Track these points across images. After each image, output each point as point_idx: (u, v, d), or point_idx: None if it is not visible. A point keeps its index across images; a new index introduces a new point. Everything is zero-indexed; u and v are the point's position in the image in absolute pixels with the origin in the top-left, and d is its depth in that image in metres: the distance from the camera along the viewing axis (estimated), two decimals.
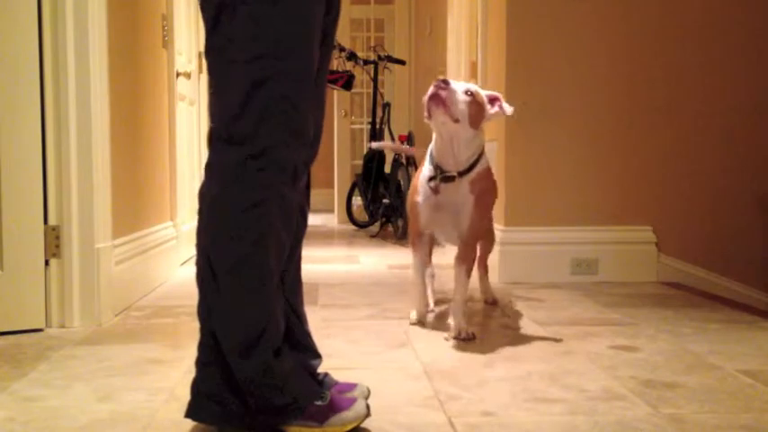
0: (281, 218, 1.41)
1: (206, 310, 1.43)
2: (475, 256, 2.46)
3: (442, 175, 2.26)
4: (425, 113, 2.24)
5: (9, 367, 1.96)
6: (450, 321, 2.32)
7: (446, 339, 2.27)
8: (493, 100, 2.32)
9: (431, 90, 2.20)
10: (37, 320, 2.38)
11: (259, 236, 1.38)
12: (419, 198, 2.33)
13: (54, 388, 1.78)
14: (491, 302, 2.82)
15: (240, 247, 1.38)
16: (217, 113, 1.41)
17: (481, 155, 2.33)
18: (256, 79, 1.35)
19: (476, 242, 2.40)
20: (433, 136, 2.33)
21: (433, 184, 2.27)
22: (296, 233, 1.52)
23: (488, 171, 2.37)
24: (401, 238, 4.97)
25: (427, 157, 2.35)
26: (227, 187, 1.39)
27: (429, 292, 2.65)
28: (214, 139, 1.41)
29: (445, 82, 2.18)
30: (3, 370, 1.93)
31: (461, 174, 2.27)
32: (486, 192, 2.34)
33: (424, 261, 2.50)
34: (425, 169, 2.34)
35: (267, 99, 1.36)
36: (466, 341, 2.24)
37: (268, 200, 1.39)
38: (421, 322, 2.48)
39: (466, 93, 2.22)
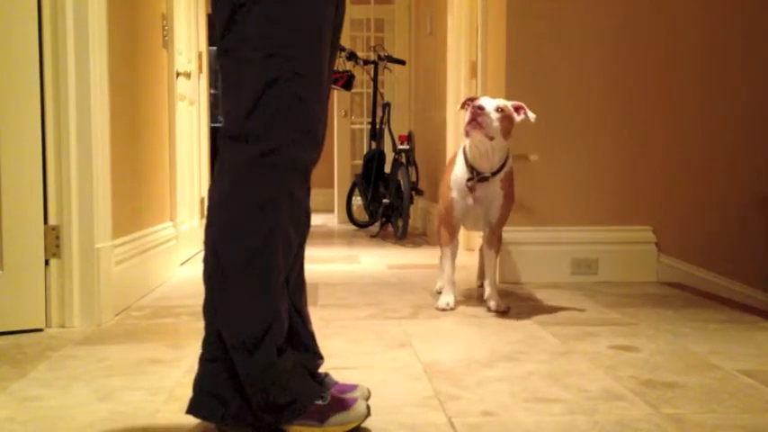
0: (290, 217, 1.42)
1: (212, 307, 1.43)
2: (501, 241, 2.81)
3: (478, 177, 2.60)
4: (464, 133, 2.53)
5: (9, 367, 1.96)
6: (489, 297, 2.69)
7: (488, 310, 2.67)
8: (518, 109, 2.61)
9: (468, 115, 2.48)
10: (37, 320, 2.38)
11: (268, 234, 1.38)
12: (455, 194, 2.67)
13: (54, 388, 1.78)
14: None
15: (249, 244, 1.38)
16: (229, 112, 1.42)
17: (507, 156, 2.65)
18: (268, 78, 1.36)
19: (502, 229, 2.78)
20: (467, 142, 2.62)
21: (470, 183, 2.61)
22: (302, 233, 1.52)
23: (512, 171, 2.71)
24: (401, 238, 4.97)
25: (461, 160, 2.66)
26: (237, 185, 1.39)
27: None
28: (225, 138, 1.41)
29: (480, 108, 2.46)
30: (3, 370, 1.93)
31: (494, 174, 2.61)
32: (511, 188, 2.70)
33: (455, 250, 2.79)
34: (459, 170, 2.66)
35: (279, 98, 1.36)
36: (504, 314, 2.63)
37: (278, 198, 1.39)
38: (450, 306, 2.71)
39: (497, 110, 2.50)
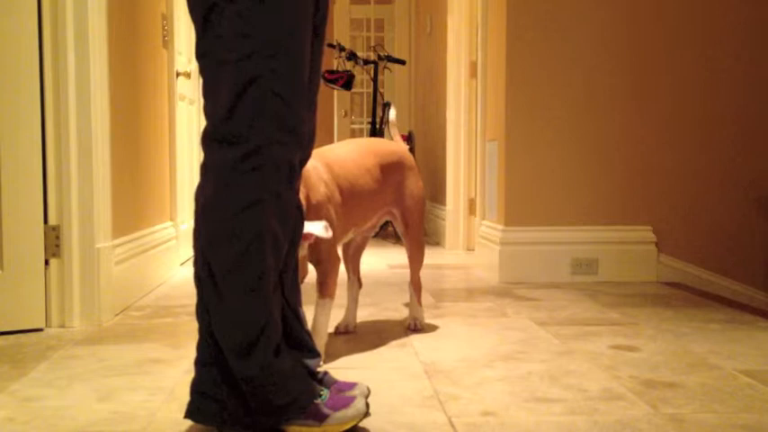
0: (277, 217, 1.41)
1: (204, 311, 1.43)
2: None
3: None
4: None
5: (9, 367, 1.96)
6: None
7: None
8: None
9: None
10: (37, 320, 2.38)
11: (255, 236, 1.38)
12: None
13: (54, 388, 1.78)
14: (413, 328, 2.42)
15: (237, 247, 1.37)
16: (209, 114, 1.41)
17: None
18: (247, 78, 1.35)
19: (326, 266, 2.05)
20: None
21: None
22: (293, 232, 1.52)
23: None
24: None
25: None
26: (221, 188, 1.38)
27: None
28: (208, 140, 1.41)
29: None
30: (3, 370, 1.93)
31: None
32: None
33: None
34: None
35: (258, 97, 1.36)
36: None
37: (263, 199, 1.38)
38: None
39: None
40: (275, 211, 1.40)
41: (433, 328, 2.44)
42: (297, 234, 1.55)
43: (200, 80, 1.45)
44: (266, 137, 1.37)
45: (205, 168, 1.42)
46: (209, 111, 1.41)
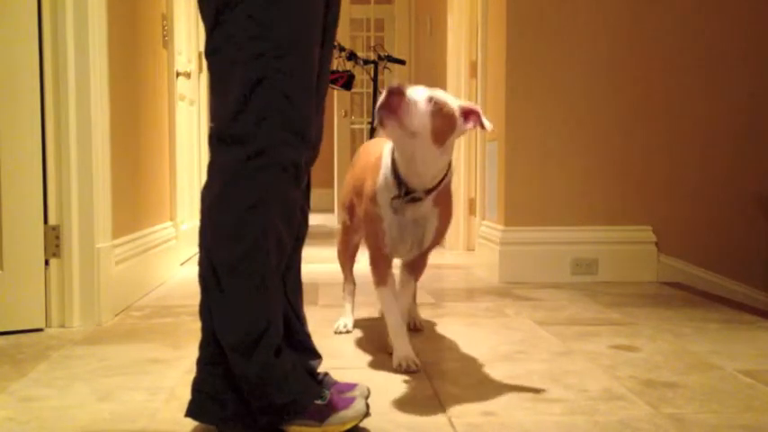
0: (281, 217, 1.41)
1: (208, 310, 1.43)
2: (426, 265, 2.21)
3: (407, 197, 1.92)
4: (378, 122, 1.80)
5: (9, 367, 1.96)
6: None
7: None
8: (467, 113, 1.90)
9: (382, 97, 1.78)
10: (37, 320, 2.38)
11: (260, 235, 1.38)
12: (383, 217, 2.00)
13: (54, 388, 1.78)
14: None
15: (241, 246, 1.38)
16: (217, 113, 1.42)
17: (449, 170, 1.97)
18: (255, 78, 1.35)
19: (429, 253, 2.17)
20: (391, 146, 1.97)
21: (396, 204, 1.94)
22: (297, 233, 1.52)
23: (449, 185, 2.03)
24: None
25: (385, 168, 1.97)
26: (227, 187, 1.39)
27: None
28: (214, 140, 1.41)
29: (399, 90, 1.77)
30: (3, 370, 1.93)
31: (428, 192, 1.93)
32: (448, 205, 2.06)
33: (394, 290, 2.14)
34: (383, 182, 1.97)
35: (266, 98, 1.36)
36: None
37: (268, 199, 1.39)
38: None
39: (429, 102, 1.81)
40: (280, 211, 1.41)
41: (432, 328, 2.44)
42: (300, 236, 1.55)
43: (209, 78, 1.45)
44: (273, 137, 1.37)
45: (212, 168, 1.43)
46: (217, 110, 1.42)
